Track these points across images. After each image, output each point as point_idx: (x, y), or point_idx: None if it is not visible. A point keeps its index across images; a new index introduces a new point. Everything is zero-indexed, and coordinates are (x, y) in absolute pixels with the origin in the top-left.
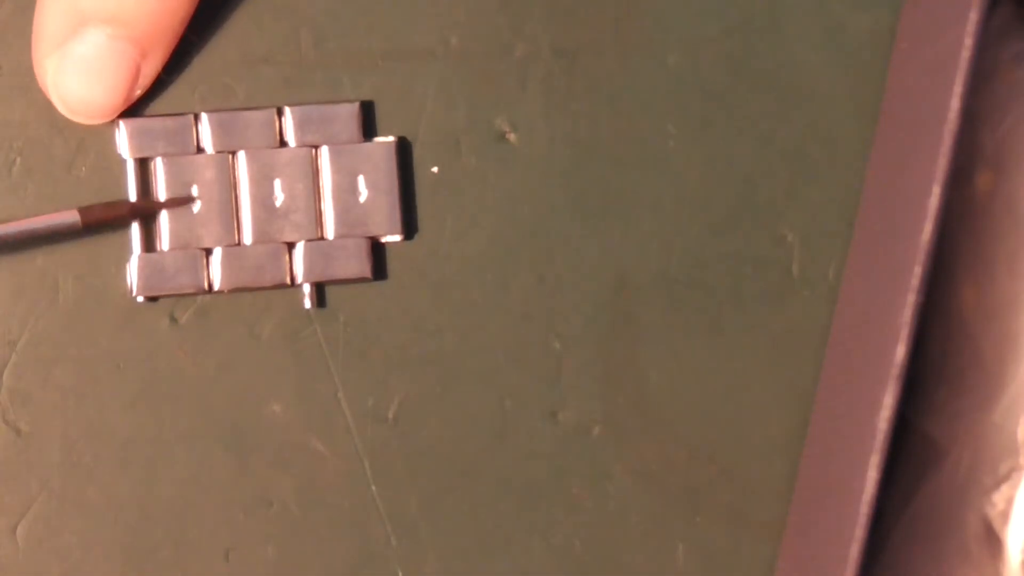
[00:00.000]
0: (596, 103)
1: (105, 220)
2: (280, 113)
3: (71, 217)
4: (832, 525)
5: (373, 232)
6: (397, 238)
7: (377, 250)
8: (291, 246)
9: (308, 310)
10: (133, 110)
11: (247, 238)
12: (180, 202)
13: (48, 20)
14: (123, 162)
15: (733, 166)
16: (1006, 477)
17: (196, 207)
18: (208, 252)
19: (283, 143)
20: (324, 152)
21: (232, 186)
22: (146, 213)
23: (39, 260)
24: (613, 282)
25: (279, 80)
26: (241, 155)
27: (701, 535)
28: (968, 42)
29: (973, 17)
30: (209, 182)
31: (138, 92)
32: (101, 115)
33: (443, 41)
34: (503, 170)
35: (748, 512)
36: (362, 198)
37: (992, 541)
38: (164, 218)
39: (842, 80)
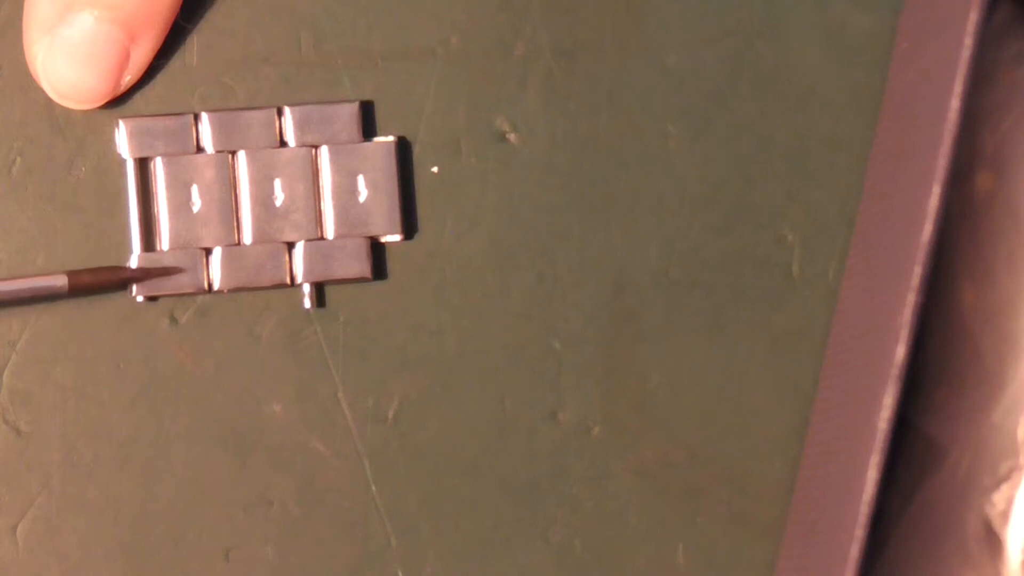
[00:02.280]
0: (596, 103)
1: (93, 286)
2: (280, 113)
3: (58, 281)
4: (832, 525)
5: (373, 232)
6: (397, 238)
7: (377, 250)
8: (291, 246)
9: (308, 310)
10: (134, 110)
11: (247, 238)
12: (174, 271)
13: (38, 5)
14: (123, 162)
15: (733, 166)
16: (1006, 477)
17: (194, 208)
18: (208, 252)
19: (283, 143)
20: (324, 152)
21: (232, 186)
22: (138, 278)
23: (39, 260)
24: (613, 282)
25: (279, 80)
26: (241, 155)
27: (701, 535)
28: (968, 42)
29: (973, 17)
30: (209, 182)
31: (128, 78)
32: (90, 100)
33: (443, 41)
34: (503, 170)
35: (748, 512)
36: (362, 198)
37: (992, 541)
38: (164, 218)
39: (842, 80)
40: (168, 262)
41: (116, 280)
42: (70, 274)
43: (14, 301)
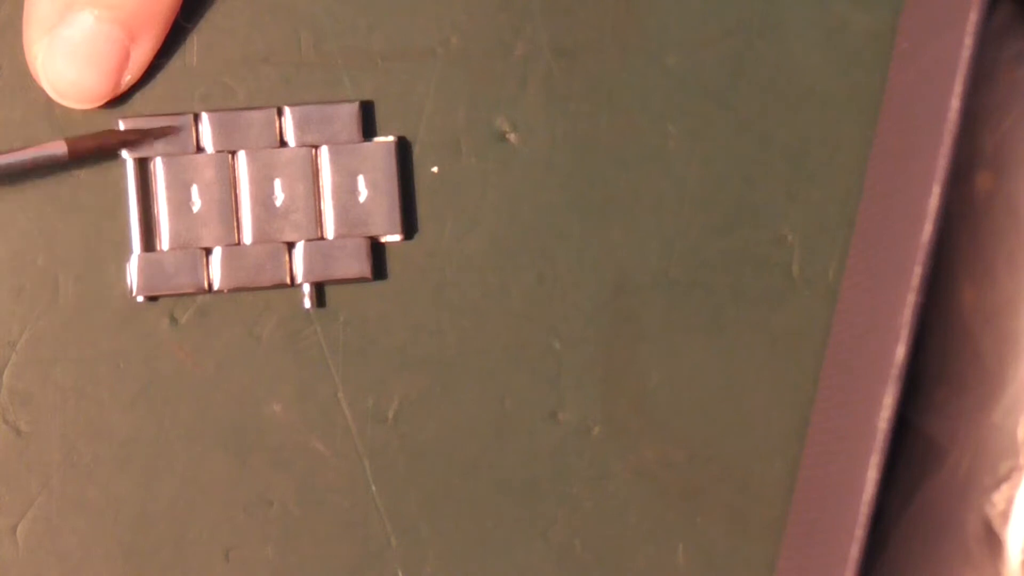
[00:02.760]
0: (596, 103)
1: (93, 150)
2: (280, 113)
3: (58, 149)
4: (832, 525)
5: (373, 232)
6: (397, 238)
7: (377, 250)
8: (291, 246)
9: (308, 310)
10: (134, 110)
11: (247, 238)
12: (168, 131)
13: (38, 4)
14: (123, 162)
15: (733, 166)
16: (1006, 477)
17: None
18: (208, 252)
19: (283, 143)
20: (324, 152)
21: (232, 186)
22: (135, 141)
23: (39, 260)
24: (613, 282)
25: (279, 80)
26: (241, 155)
27: (701, 535)
28: (968, 42)
29: (973, 17)
30: (209, 182)
31: (128, 78)
32: (91, 100)
33: (443, 41)
34: (503, 170)
35: (748, 512)
36: (362, 198)
37: (992, 541)
38: (164, 218)
39: (842, 80)
40: (168, 262)
41: (116, 143)
42: (69, 140)
43: (17, 172)
